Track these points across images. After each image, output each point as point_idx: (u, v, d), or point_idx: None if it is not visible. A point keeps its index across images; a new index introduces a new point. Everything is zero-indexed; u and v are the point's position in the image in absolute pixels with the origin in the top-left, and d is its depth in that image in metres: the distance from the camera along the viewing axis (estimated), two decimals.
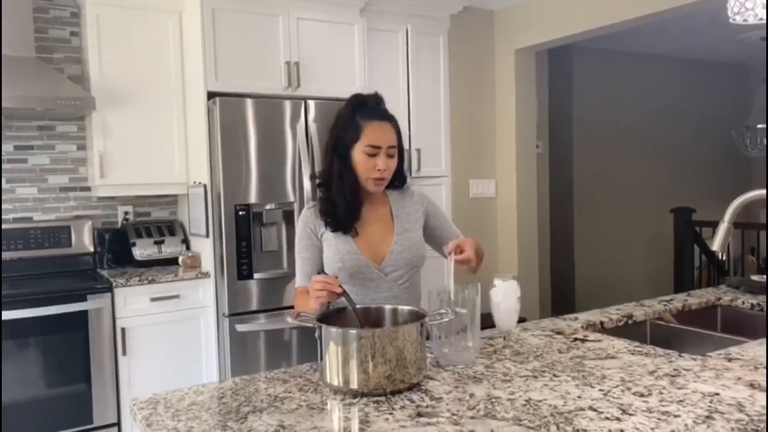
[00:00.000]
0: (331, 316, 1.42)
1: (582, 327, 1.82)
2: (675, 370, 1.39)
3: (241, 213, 3.05)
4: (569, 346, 1.61)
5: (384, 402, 1.25)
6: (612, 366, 1.43)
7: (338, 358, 1.29)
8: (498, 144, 4.00)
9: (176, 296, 3.14)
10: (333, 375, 1.31)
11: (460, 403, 1.23)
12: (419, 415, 1.18)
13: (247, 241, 3.06)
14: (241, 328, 3.04)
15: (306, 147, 3.15)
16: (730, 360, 1.46)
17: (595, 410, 1.17)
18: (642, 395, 1.24)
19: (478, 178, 3.96)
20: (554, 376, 1.37)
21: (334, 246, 1.73)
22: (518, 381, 1.35)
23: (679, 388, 1.28)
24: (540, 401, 1.22)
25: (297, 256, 1.79)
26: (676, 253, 4.65)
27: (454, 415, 1.17)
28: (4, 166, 3.32)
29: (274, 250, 3.15)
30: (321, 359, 1.34)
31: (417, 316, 1.40)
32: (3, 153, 3.31)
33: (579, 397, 1.24)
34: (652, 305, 2.06)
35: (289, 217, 3.16)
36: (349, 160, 1.74)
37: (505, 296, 1.54)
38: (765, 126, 4.80)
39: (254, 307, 3.09)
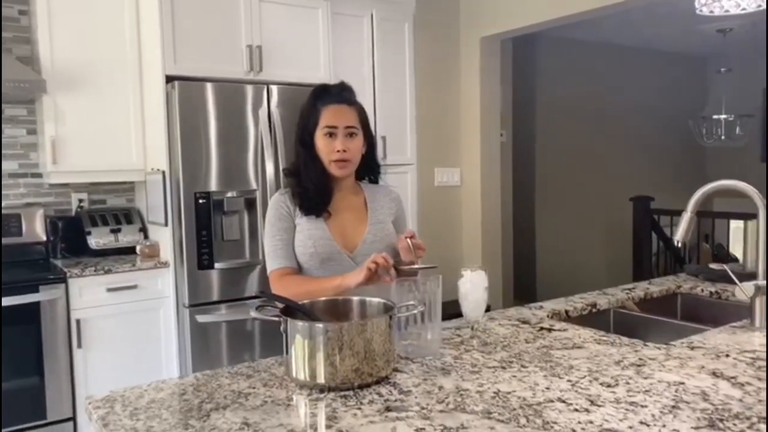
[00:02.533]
0: (296, 309, 1.38)
1: (548, 316, 1.82)
2: (640, 359, 1.40)
3: (201, 201, 2.97)
4: (536, 335, 1.61)
5: (352, 396, 1.22)
6: (579, 356, 1.43)
7: (304, 352, 1.26)
8: (463, 132, 3.99)
9: (134, 286, 3.05)
10: (299, 369, 1.27)
11: (429, 396, 1.21)
12: (388, 409, 1.15)
13: (208, 230, 2.98)
14: (201, 319, 2.97)
15: (269, 133, 3.08)
16: (692, 348, 1.48)
17: (563, 401, 1.17)
18: (609, 386, 1.24)
19: (444, 167, 3.95)
20: (522, 366, 1.37)
21: (307, 230, 1.71)
22: (487, 372, 1.33)
23: (645, 378, 1.28)
24: (509, 393, 1.21)
25: (272, 239, 1.73)
26: (635, 240, 4.74)
27: (423, 408, 1.15)
28: None
29: (235, 239, 3.08)
30: (286, 353, 1.31)
31: (385, 309, 1.37)
32: None
33: (547, 388, 1.24)
34: (615, 293, 2.08)
35: (251, 206, 3.10)
36: (314, 147, 1.71)
37: (473, 286, 1.52)
38: (720, 117, 4.93)
39: (215, 297, 3.02)
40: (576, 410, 1.13)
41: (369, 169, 1.82)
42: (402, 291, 1.44)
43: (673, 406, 1.13)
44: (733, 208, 5.62)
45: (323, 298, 1.46)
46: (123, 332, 3.01)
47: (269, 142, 3.07)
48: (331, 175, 1.72)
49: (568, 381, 1.27)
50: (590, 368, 1.35)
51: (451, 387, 1.25)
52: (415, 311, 1.34)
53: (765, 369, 1.32)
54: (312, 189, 1.71)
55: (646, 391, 1.21)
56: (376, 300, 1.42)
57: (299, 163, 1.74)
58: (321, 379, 1.25)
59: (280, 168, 3.04)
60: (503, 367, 1.36)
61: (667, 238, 4.78)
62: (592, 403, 1.16)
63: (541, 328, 1.67)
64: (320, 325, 1.28)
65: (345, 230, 1.74)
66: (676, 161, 6.23)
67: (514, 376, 1.31)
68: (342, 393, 1.24)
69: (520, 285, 4.94)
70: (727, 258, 6.20)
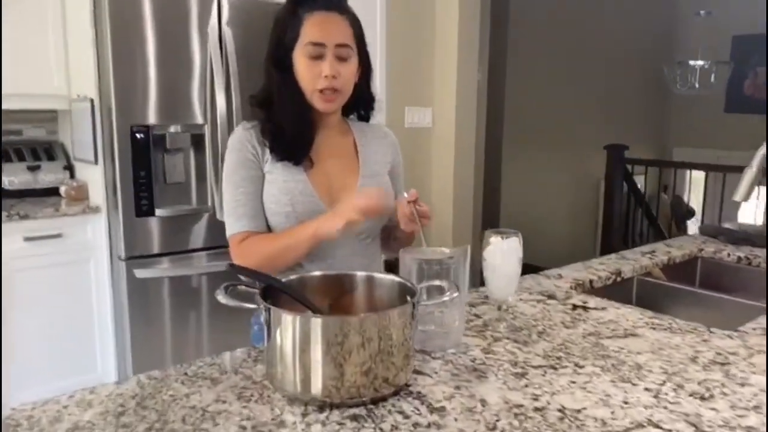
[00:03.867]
0: (281, 290, 1.00)
1: (571, 287, 1.52)
2: (718, 354, 1.11)
3: (138, 136, 2.49)
4: (572, 317, 1.30)
5: (364, 417, 0.88)
6: (639, 348, 1.13)
7: (295, 354, 0.90)
8: (437, 69, 3.59)
9: (58, 235, 2.58)
10: (287, 378, 0.91)
11: (472, 417, 0.87)
12: None
13: (147, 170, 2.52)
14: (140, 274, 2.54)
15: (219, 56, 2.59)
16: None
17: (658, 427, 0.86)
18: (703, 398, 0.95)
19: (414, 106, 3.56)
20: (577, 366, 1.05)
21: (282, 182, 1.31)
22: (535, 375, 1.01)
23: (741, 385, 0.99)
24: (578, 412, 0.90)
25: (232, 193, 1.33)
26: (607, 189, 4.54)
27: None
28: None
29: (180, 182, 2.63)
30: (267, 350, 0.94)
31: (403, 291, 1.01)
32: None
33: (626, 402, 0.93)
34: (636, 258, 1.80)
35: (198, 143, 2.64)
36: (292, 70, 1.30)
37: (504, 258, 1.19)
38: (696, 63, 4.70)
39: (156, 249, 2.59)
40: None
41: (362, 102, 1.42)
42: (416, 265, 1.08)
43: None
44: (693, 158, 5.51)
45: (317, 274, 1.09)
46: (45, 290, 2.55)
47: (220, 67, 2.58)
48: (314, 110, 1.32)
49: (647, 390, 0.97)
50: (664, 369, 1.05)
51: (496, 400, 0.93)
52: (446, 298, 0.99)
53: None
54: (289, 127, 1.31)
55: (755, 407, 0.92)
56: (388, 278, 1.06)
57: (271, 90, 1.33)
58: (318, 392, 0.89)
59: (234, 100, 2.59)
60: (553, 367, 1.05)
61: (637, 188, 4.60)
62: (696, 428, 0.86)
63: (575, 306, 1.36)
64: (318, 319, 0.91)
65: (330, 183, 1.36)
66: (642, 109, 6.04)
67: (574, 382, 0.99)
68: (350, 412, 0.89)
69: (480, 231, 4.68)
70: (686, 210, 6.16)
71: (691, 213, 6.03)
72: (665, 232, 4.93)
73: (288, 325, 0.91)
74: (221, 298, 0.95)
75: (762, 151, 1.38)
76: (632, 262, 1.76)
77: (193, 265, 2.66)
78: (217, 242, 2.68)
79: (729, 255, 1.88)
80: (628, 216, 4.63)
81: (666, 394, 0.96)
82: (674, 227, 5.59)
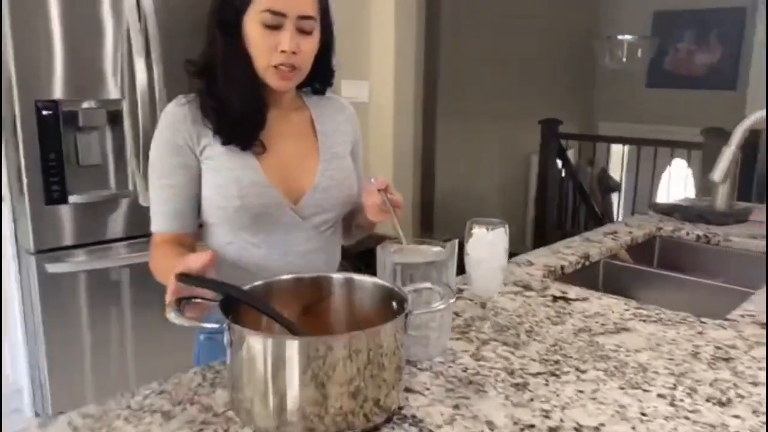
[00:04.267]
0: (245, 301, 0.83)
1: (544, 275, 1.42)
2: (718, 348, 1.04)
3: (45, 112, 2.18)
4: (556, 311, 1.20)
5: None
6: (636, 345, 1.05)
7: (267, 382, 0.74)
8: (374, 39, 3.42)
9: None
10: (259, 410, 0.75)
11: None
12: None
13: (57, 152, 2.22)
14: (53, 268, 2.26)
15: (137, 18, 2.30)
16: (763, 326, 1.15)
17: None
18: (722, 403, 0.86)
19: (350, 79, 3.37)
20: (579, 371, 0.95)
21: (229, 170, 1.10)
22: (537, 385, 0.90)
23: (754, 384, 0.92)
24: (597, 429, 0.79)
25: (155, 182, 1.13)
26: (541, 165, 4.54)
27: None
28: None
29: (96, 165, 2.35)
30: (231, 373, 0.78)
31: (390, 297, 0.86)
32: None
33: (643, 414, 0.83)
34: (601, 241, 1.73)
35: (115, 120, 2.35)
36: (241, 35, 1.09)
37: (491, 251, 1.06)
38: (624, 38, 4.76)
39: (70, 240, 2.30)
40: None
41: (319, 76, 1.24)
42: (393, 259, 0.94)
43: None
44: (617, 132, 5.64)
45: (288, 278, 0.92)
46: None
47: (138, 32, 2.30)
48: (266, 86, 1.12)
49: (661, 397, 0.88)
50: (669, 369, 0.96)
51: (504, 421, 0.80)
52: (442, 306, 0.84)
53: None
54: (236, 105, 1.10)
55: None
56: (369, 280, 0.91)
57: (214, 56, 1.11)
58: (297, 425, 0.74)
59: (155, 71, 2.32)
60: (554, 374, 0.94)
61: (570, 164, 4.64)
62: None
63: (555, 298, 1.27)
64: (294, 342, 0.75)
65: (287, 169, 1.16)
66: (571, 84, 6.10)
67: (581, 392, 0.88)
68: None
69: (420, 212, 4.60)
70: (610, 184, 6.32)
71: (615, 186, 6.20)
72: (596, 208, 5.02)
73: (257, 348, 0.74)
74: (173, 317, 0.77)
75: (741, 128, 1.32)
76: (597, 244, 1.69)
77: (113, 256, 2.40)
78: (140, 230, 2.43)
79: (688, 234, 1.85)
80: (561, 190, 4.67)
81: (682, 400, 0.87)
82: (600, 201, 5.72)
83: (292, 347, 0.73)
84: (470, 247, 1.07)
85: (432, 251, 0.99)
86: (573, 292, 1.31)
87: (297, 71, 1.11)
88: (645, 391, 0.89)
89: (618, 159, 5.65)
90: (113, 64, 2.30)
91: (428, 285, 0.88)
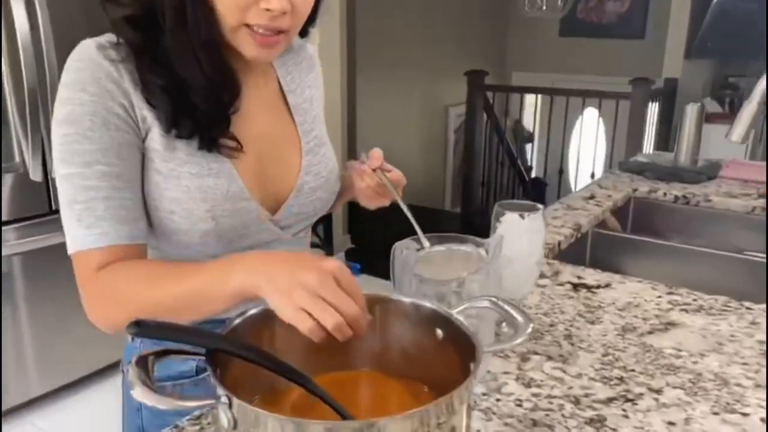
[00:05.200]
0: (237, 354, 0.56)
1: (545, 255, 1.23)
2: None
3: None
4: (584, 304, 1.01)
5: None
6: (698, 347, 0.88)
7: None
8: None
9: None
10: None
11: None
12: None
13: None
14: None
15: None
16: None
17: None
18: None
19: None
20: (654, 391, 0.77)
21: (189, 177, 0.74)
22: (615, 419, 0.71)
23: None
24: None
25: (75, 171, 0.71)
26: (468, 117, 4.38)
27: None
28: None
29: None
30: None
31: (431, 324, 0.62)
32: None
33: None
34: (585, 207, 1.57)
35: None
36: None
37: (528, 242, 0.85)
38: None
39: None
40: None
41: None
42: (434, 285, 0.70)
43: None
44: (531, 82, 5.59)
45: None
46: None
47: None
48: (235, 52, 0.75)
49: (764, 421, 0.71)
50: (751, 378, 0.80)
51: None
52: (519, 341, 0.61)
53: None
54: (198, 84, 0.73)
55: None
56: (409, 303, 0.66)
57: (161, 3, 0.72)
58: None
59: (38, 13, 1.88)
60: (628, 399, 0.75)
61: (494, 116, 4.51)
62: None
63: (574, 286, 1.08)
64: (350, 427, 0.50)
65: (262, 166, 0.81)
66: (488, 35, 5.96)
67: (672, 424, 0.70)
68: None
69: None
70: (525, 135, 6.32)
71: (529, 137, 6.21)
72: (519, 162, 4.97)
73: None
74: (140, 394, 0.49)
75: (762, 84, 1.17)
76: (583, 212, 1.53)
77: None
78: (32, 210, 2.03)
79: (665, 194, 1.73)
80: (486, 146, 4.55)
81: None
82: (516, 152, 5.68)
83: None
84: (498, 235, 0.85)
85: (467, 254, 0.75)
86: (590, 277, 1.13)
87: (284, 36, 0.75)
88: (743, 414, 0.73)
89: (535, 109, 5.62)
90: None
91: (486, 303, 0.65)
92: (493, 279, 0.72)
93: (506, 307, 0.64)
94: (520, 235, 0.84)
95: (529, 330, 0.61)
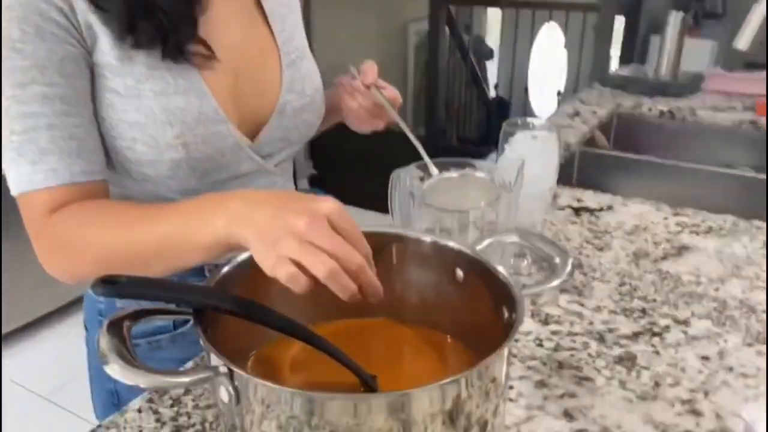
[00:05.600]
0: (235, 311, 0.46)
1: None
2: None
3: None
4: (590, 229, 0.94)
5: None
6: (717, 272, 0.82)
7: None
8: None
9: None
10: None
11: None
12: None
13: None
14: None
15: None
16: None
17: None
18: None
19: None
20: (679, 323, 0.71)
21: (153, 97, 0.61)
22: (645, 355, 0.65)
23: None
24: None
25: (9, 95, 0.57)
26: (431, 35, 4.20)
27: None
28: None
29: None
30: None
31: (454, 265, 0.54)
32: None
33: None
34: (570, 125, 1.49)
35: None
36: None
37: (541, 165, 0.76)
38: None
39: None
40: None
41: None
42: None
43: None
44: None
45: None
46: None
47: None
48: None
49: None
50: None
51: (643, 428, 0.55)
52: (557, 282, 0.52)
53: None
54: None
55: None
56: (426, 239, 0.56)
57: None
58: None
59: None
60: (655, 333, 0.69)
61: (458, 33, 4.33)
62: None
63: (575, 210, 1.01)
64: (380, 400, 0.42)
65: (237, 83, 0.68)
66: None
67: (706, 358, 0.65)
68: None
69: None
70: (486, 51, 6.15)
71: (490, 53, 6.05)
72: (481, 79, 4.84)
73: (282, 407, 0.40)
74: (116, 371, 0.39)
75: None
76: (568, 129, 1.44)
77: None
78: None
79: (650, 110, 1.65)
80: (447, 63, 4.39)
81: None
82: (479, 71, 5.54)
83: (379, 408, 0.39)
84: (508, 158, 0.76)
85: (482, 180, 0.66)
86: (589, 199, 1.06)
87: None
88: None
89: (496, 24, 5.44)
90: None
91: (514, 238, 0.56)
92: (513, 208, 0.63)
93: (538, 243, 0.55)
94: (534, 156, 0.75)
95: (569, 267, 0.53)
